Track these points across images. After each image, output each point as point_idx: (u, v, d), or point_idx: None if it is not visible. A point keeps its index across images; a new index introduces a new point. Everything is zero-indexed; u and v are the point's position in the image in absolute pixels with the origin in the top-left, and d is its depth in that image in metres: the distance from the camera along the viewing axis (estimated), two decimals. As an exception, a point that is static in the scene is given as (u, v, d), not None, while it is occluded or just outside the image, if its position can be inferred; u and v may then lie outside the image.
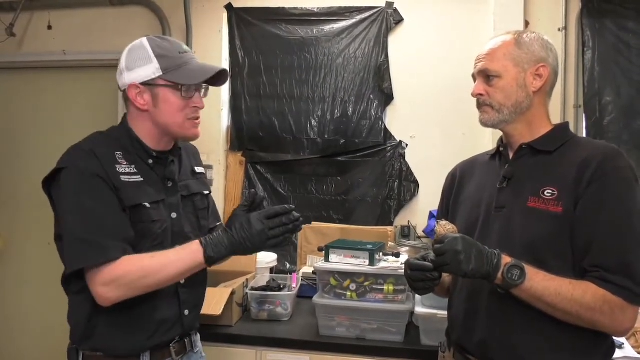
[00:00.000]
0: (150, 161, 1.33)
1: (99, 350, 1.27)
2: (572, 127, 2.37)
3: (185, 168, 1.45)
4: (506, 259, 1.09)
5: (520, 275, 1.07)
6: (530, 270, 1.08)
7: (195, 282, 1.39)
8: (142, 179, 1.28)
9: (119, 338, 1.26)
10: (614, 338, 1.68)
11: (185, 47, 1.32)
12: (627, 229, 1.08)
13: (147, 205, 1.27)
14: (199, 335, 1.51)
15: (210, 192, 1.54)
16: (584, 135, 2.38)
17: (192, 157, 1.51)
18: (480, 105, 1.27)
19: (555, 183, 1.15)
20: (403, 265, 1.31)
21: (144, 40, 1.29)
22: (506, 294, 1.10)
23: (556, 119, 2.38)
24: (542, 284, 1.07)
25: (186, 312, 1.36)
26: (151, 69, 1.26)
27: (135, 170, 1.28)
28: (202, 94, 1.34)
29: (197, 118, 1.33)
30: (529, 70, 1.21)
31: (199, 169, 1.50)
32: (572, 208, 1.11)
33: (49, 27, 2.82)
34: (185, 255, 1.21)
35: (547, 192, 1.14)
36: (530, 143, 1.23)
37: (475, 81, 1.28)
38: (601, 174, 1.10)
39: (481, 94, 1.25)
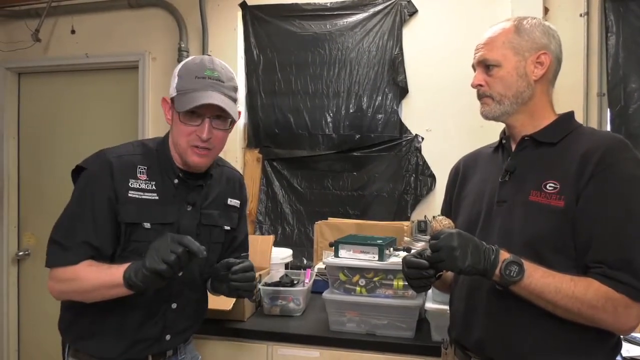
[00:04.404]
0: (176, 181, 1.32)
1: (77, 349, 1.31)
2: (595, 116, 2.31)
3: (218, 197, 1.41)
4: (504, 255, 1.06)
5: (519, 272, 1.03)
6: (529, 266, 1.04)
7: (188, 311, 1.39)
8: (157, 198, 1.27)
9: (95, 340, 1.29)
10: (635, 335, 1.62)
11: (208, 71, 1.24)
12: (630, 224, 1.03)
13: (147, 226, 1.26)
14: (191, 341, 1.50)
15: (234, 228, 1.47)
16: (608, 124, 2.28)
17: (232, 187, 1.46)
18: (480, 97, 1.23)
19: (558, 176, 1.10)
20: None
21: (188, 58, 1.31)
22: (505, 290, 1.07)
23: (579, 108, 2.30)
24: (541, 280, 1.03)
25: (167, 337, 1.35)
26: (173, 86, 1.28)
27: (154, 188, 1.28)
28: (211, 123, 1.25)
29: (202, 148, 1.26)
30: (530, 59, 1.16)
31: (232, 202, 1.45)
32: (574, 202, 1.06)
33: (72, 32, 2.92)
34: (112, 271, 1.17)
35: (549, 186, 1.10)
36: (533, 135, 1.18)
37: (475, 71, 1.24)
38: (603, 167, 1.05)
39: (481, 85, 1.21)
